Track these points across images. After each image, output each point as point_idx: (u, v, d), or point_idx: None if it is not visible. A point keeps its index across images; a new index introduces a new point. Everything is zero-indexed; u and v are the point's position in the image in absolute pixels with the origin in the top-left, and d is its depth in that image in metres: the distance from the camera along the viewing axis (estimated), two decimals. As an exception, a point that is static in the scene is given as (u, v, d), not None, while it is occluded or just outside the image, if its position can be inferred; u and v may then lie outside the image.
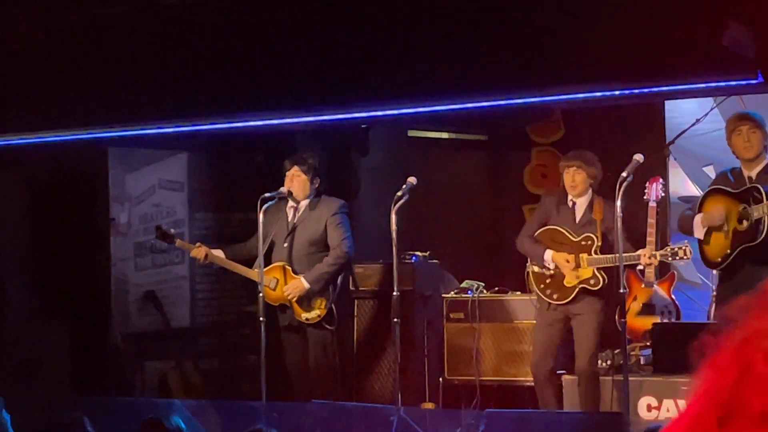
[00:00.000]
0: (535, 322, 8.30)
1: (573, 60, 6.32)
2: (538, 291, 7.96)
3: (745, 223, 7.42)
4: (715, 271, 8.43)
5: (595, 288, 7.74)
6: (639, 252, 7.58)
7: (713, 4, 5.92)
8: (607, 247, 7.74)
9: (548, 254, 7.89)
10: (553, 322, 7.90)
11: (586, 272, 7.77)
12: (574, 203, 7.93)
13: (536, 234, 8.00)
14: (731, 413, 1.37)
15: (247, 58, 7.29)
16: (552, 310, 7.90)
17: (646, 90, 6.26)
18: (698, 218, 7.65)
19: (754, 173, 7.53)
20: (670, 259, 7.49)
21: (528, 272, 8.08)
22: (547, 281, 7.91)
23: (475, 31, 6.60)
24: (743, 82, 5.86)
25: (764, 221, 7.33)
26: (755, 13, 5.76)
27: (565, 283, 7.83)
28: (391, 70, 6.86)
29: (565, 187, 7.92)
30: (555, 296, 7.86)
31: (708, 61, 5.85)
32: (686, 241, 7.54)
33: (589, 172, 7.83)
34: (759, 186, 7.39)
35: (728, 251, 7.52)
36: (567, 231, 7.89)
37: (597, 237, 7.79)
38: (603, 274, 7.74)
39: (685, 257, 7.44)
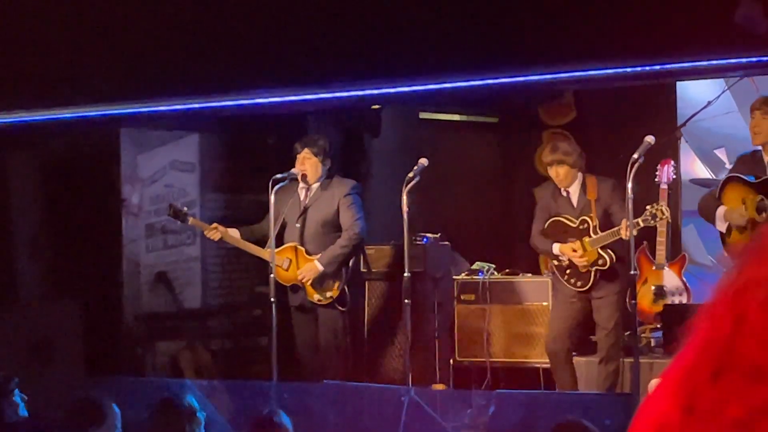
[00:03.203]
0: (545, 303, 8.30)
1: (584, 37, 6.32)
2: (564, 282, 7.93)
3: (764, 215, 7.35)
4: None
5: (605, 267, 7.73)
6: (618, 227, 7.53)
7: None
8: (607, 225, 7.72)
9: (556, 248, 7.90)
10: (574, 300, 7.90)
11: (592, 255, 7.76)
12: (567, 192, 7.95)
13: (544, 229, 8.01)
14: (725, 367, 1.31)
15: (261, 35, 7.30)
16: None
17: (657, 67, 6.25)
18: (720, 212, 7.53)
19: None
20: (651, 222, 7.40)
21: (551, 265, 8.08)
22: (567, 271, 7.90)
23: (486, 8, 6.60)
24: (755, 60, 5.85)
25: None
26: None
27: (581, 269, 7.82)
28: (404, 47, 6.87)
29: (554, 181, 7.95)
30: (579, 284, 7.84)
31: (720, 39, 5.84)
32: (663, 202, 7.39)
33: (569, 163, 7.83)
34: None
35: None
36: (568, 219, 7.90)
37: (592, 218, 7.78)
38: (609, 252, 7.73)
39: (663, 216, 7.34)
